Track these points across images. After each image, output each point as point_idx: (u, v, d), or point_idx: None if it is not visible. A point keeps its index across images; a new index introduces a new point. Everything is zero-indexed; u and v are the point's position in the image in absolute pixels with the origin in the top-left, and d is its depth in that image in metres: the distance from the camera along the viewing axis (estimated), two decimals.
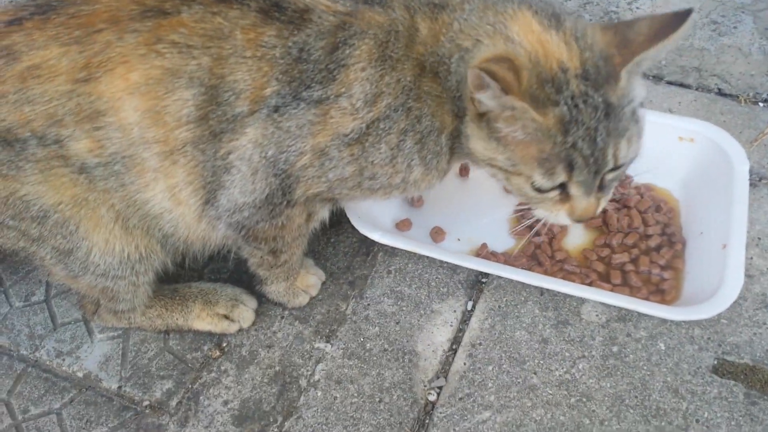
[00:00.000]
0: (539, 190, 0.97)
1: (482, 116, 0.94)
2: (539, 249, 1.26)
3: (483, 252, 1.27)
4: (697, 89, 1.63)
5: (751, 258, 1.28)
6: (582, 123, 0.89)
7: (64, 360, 1.24)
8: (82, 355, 1.25)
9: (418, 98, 0.97)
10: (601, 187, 0.98)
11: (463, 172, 1.40)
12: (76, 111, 0.94)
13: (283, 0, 0.95)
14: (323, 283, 1.30)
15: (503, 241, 1.30)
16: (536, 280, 1.16)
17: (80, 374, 1.22)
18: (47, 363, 1.24)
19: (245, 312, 1.25)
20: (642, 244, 1.25)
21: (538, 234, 1.24)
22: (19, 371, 1.23)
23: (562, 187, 0.96)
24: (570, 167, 0.92)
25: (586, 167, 0.92)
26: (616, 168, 0.96)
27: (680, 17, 0.89)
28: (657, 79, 1.67)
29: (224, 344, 1.24)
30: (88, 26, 0.93)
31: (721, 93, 1.62)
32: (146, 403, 1.19)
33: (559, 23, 0.93)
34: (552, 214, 1.02)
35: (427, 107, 0.98)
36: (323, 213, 1.15)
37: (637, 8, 1.83)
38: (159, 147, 0.96)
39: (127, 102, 0.93)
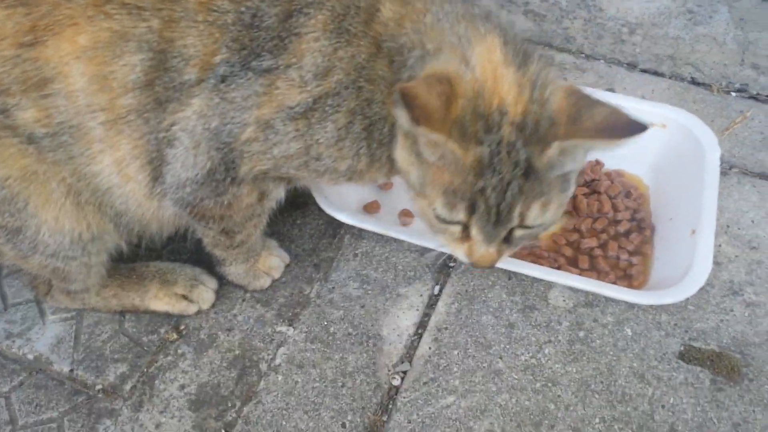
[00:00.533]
0: (441, 220, 0.92)
1: (401, 126, 0.90)
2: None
3: None
4: (670, 77, 1.62)
5: (720, 245, 1.27)
6: (498, 172, 0.84)
7: (14, 342, 1.19)
8: (33, 337, 1.20)
9: (371, 80, 0.93)
10: (508, 240, 0.93)
11: (385, 185, 1.36)
12: (22, 78, 0.89)
13: None
14: (287, 266, 1.27)
15: None
16: (505, 264, 1.14)
17: (30, 356, 1.18)
18: None
19: (205, 293, 1.21)
20: (611, 229, 1.23)
21: None
22: None
23: (465, 225, 0.92)
24: (472, 209, 0.88)
25: (488, 216, 0.88)
26: (524, 227, 0.91)
27: (633, 128, 0.83)
28: (631, 66, 1.65)
29: (182, 327, 1.20)
30: None
31: (694, 82, 1.61)
32: (99, 387, 1.14)
33: (525, 63, 0.88)
34: (450, 248, 0.97)
35: (379, 92, 0.93)
36: (278, 192, 1.10)
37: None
38: (104, 115, 0.92)
39: (74, 67, 0.88)
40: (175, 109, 0.92)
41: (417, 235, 1.19)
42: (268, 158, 0.97)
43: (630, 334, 1.15)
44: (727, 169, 1.41)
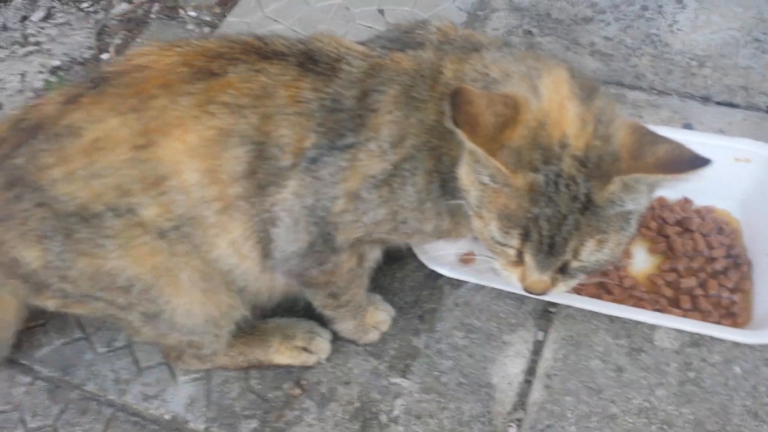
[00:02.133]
0: (496, 242, 0.94)
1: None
2: (607, 277, 1.28)
3: None
4: (746, 108, 1.65)
5: None
6: (554, 203, 0.86)
7: (151, 403, 1.29)
8: (168, 398, 1.29)
9: (441, 137, 0.97)
10: (564, 271, 0.94)
11: None
12: (140, 178, 0.98)
13: (316, 52, 1.01)
14: (393, 319, 1.34)
15: None
16: (610, 309, 1.18)
17: (167, 417, 1.27)
18: (134, 407, 1.29)
19: (322, 343, 1.30)
20: (708, 267, 1.27)
21: None
22: (108, 416, 1.28)
23: (519, 251, 0.93)
24: (525, 236, 0.89)
25: (540, 245, 0.89)
26: (579, 261, 0.92)
27: (696, 163, 0.84)
28: (704, 99, 1.69)
29: (303, 382, 1.28)
30: (143, 93, 0.98)
31: None
32: None
33: (590, 98, 0.90)
34: (505, 271, 0.99)
35: (448, 146, 0.98)
36: (374, 254, 1.17)
37: (678, 29, 1.86)
38: (217, 204, 1.01)
39: (186, 164, 0.98)
40: (275, 192, 1.01)
41: None
42: (359, 226, 1.05)
43: (739, 372, 1.18)
44: None
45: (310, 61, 1.01)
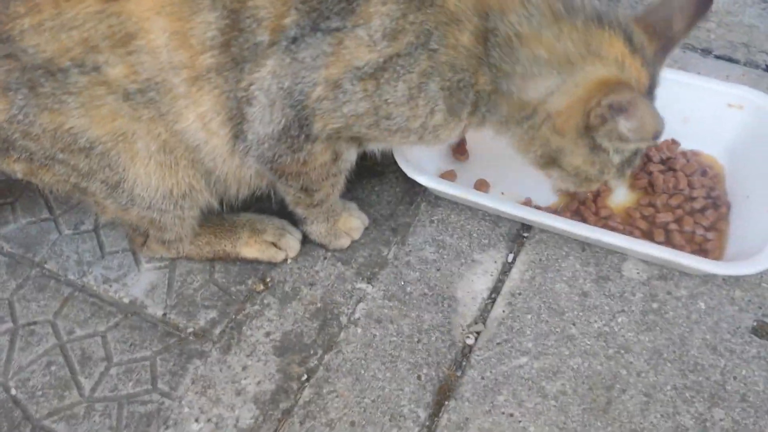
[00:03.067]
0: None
1: (587, 130, 1.00)
2: (583, 205, 1.27)
3: (527, 206, 1.28)
4: (745, 64, 1.63)
5: None
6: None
7: (111, 286, 1.27)
8: (129, 283, 1.28)
9: (449, 46, 0.97)
10: None
11: (460, 154, 1.39)
12: (108, 35, 0.95)
13: None
14: (366, 229, 1.32)
15: (547, 197, 1.31)
16: (583, 230, 1.17)
17: (126, 300, 1.25)
18: (94, 288, 1.27)
19: (292, 241, 1.28)
20: (686, 205, 1.25)
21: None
22: (66, 295, 1.27)
23: None
24: (632, 169, 1.09)
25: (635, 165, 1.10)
26: None
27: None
28: (705, 52, 1.66)
29: (268, 279, 1.27)
30: None
31: None
32: (190, 330, 1.21)
33: (630, 39, 0.98)
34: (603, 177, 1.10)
35: (464, 61, 0.99)
36: (350, 155, 1.14)
37: None
38: (186, 72, 0.97)
39: (154, 22, 0.94)
40: (252, 70, 0.98)
41: (495, 198, 1.23)
42: (338, 116, 1.02)
43: (703, 307, 1.17)
44: None
45: None
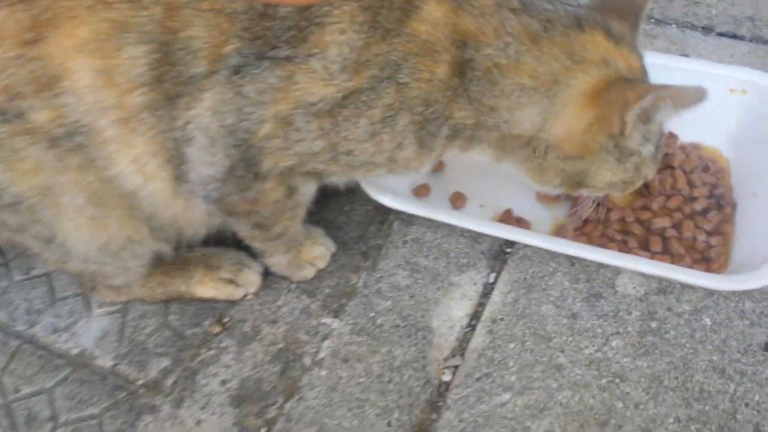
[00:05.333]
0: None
1: (616, 145, 0.91)
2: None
3: (507, 218, 1.16)
4: (751, 41, 1.48)
5: None
6: None
7: (60, 336, 1.18)
8: (79, 331, 1.18)
9: (420, 80, 0.87)
10: None
11: (436, 165, 1.27)
12: (31, 79, 0.84)
13: None
14: (334, 255, 1.20)
15: (530, 206, 1.18)
16: (563, 247, 1.04)
17: (75, 351, 1.15)
18: (43, 339, 1.18)
19: (251, 275, 1.17)
20: (686, 207, 1.11)
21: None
22: (13, 348, 1.17)
23: None
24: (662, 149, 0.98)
25: None
26: None
27: None
28: (706, 30, 1.51)
29: (226, 319, 1.16)
30: None
31: None
32: (141, 382, 1.11)
33: (608, 30, 0.89)
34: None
35: (439, 94, 0.88)
36: (307, 188, 1.03)
37: None
38: (115, 113, 0.86)
39: (78, 62, 0.83)
40: (188, 106, 0.86)
41: (468, 218, 1.10)
42: (290, 155, 0.91)
43: (709, 324, 1.03)
44: None
45: None
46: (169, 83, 0.85)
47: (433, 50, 0.86)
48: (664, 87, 0.85)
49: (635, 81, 0.87)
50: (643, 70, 0.93)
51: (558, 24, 0.87)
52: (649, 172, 0.98)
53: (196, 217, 1.03)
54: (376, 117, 0.88)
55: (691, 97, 0.83)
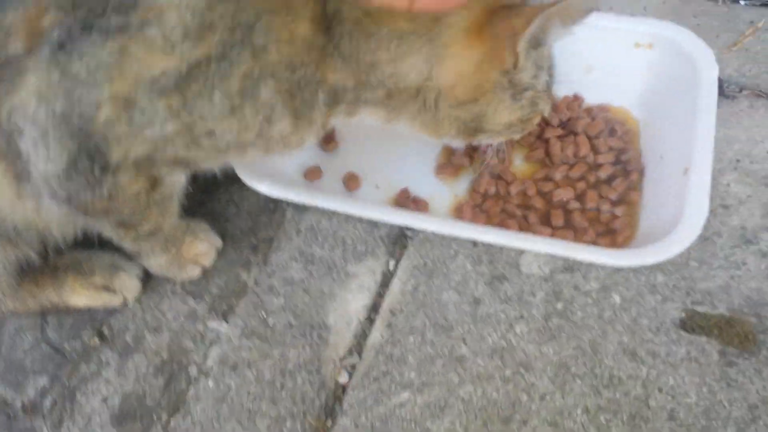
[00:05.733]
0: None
1: (510, 81, 0.83)
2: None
3: (403, 198, 1.07)
4: None
5: (728, 184, 1.06)
6: None
7: None
8: None
9: (286, 41, 0.77)
10: None
11: (326, 143, 1.17)
12: None
13: None
14: (222, 250, 1.10)
15: (428, 183, 1.09)
16: (458, 230, 0.95)
17: None
18: None
19: (127, 280, 1.06)
20: (590, 176, 1.03)
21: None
22: None
23: None
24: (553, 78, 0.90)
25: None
26: None
27: None
28: None
29: (105, 329, 1.06)
30: None
31: None
32: (19, 404, 1.01)
33: None
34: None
35: (307, 56, 0.79)
36: (174, 178, 0.92)
37: None
38: None
39: None
40: (9, 92, 0.75)
41: (358, 204, 1.01)
42: (141, 141, 0.80)
43: (618, 301, 0.96)
44: (736, 91, 1.18)
45: None
46: None
47: (289, 6, 0.76)
48: (549, 5, 0.75)
49: (517, 6, 0.78)
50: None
51: None
52: (545, 106, 0.90)
53: (53, 218, 0.92)
54: (234, 88, 0.78)
55: (579, 9, 0.78)
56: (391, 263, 1.06)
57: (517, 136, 0.95)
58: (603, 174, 1.03)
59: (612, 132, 1.07)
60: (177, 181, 0.94)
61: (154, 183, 0.89)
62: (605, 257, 0.90)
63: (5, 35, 0.73)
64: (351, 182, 1.10)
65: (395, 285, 1.03)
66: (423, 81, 0.83)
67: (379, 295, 1.03)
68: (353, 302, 1.03)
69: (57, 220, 0.93)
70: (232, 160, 0.97)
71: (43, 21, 0.72)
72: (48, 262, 1.05)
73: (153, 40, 0.73)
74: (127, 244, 1.00)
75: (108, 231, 0.97)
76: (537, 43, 0.81)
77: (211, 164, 0.95)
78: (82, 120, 0.77)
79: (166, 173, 0.90)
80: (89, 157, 0.80)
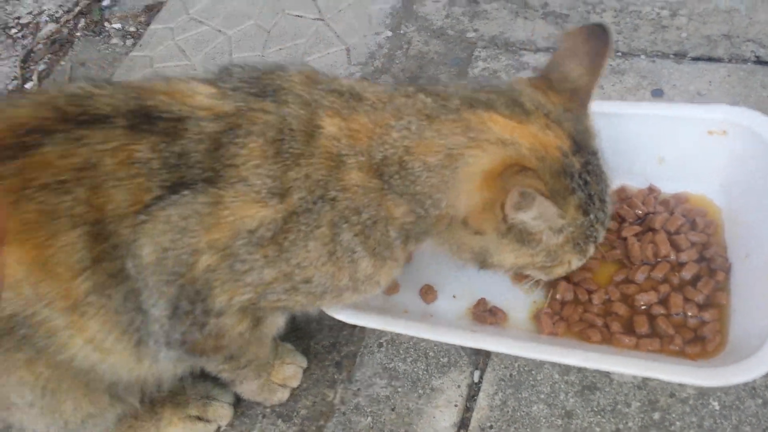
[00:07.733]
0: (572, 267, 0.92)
1: (509, 228, 0.85)
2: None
3: (480, 310, 1.06)
4: (729, 61, 1.37)
5: None
6: (594, 194, 0.84)
7: None
8: None
9: (345, 189, 0.83)
10: None
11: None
12: None
13: (154, 110, 0.82)
14: (306, 369, 1.12)
15: (506, 291, 1.09)
16: (529, 352, 0.93)
17: None
18: None
19: (220, 409, 1.09)
20: (673, 276, 1.01)
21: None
22: None
23: None
24: (595, 239, 0.88)
25: (602, 228, 0.88)
26: None
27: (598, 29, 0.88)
28: (679, 56, 1.41)
29: None
30: None
31: (759, 61, 1.35)
32: None
33: (517, 106, 0.85)
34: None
35: (366, 198, 0.84)
36: (274, 319, 0.96)
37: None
38: (62, 303, 0.80)
39: (7, 254, 0.77)
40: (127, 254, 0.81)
41: (438, 330, 1.00)
42: (242, 286, 0.85)
43: (717, 408, 0.93)
44: None
45: (147, 121, 0.81)
46: (108, 261, 0.80)
47: (340, 160, 0.83)
48: (531, 188, 0.76)
49: (522, 171, 0.78)
50: (576, 147, 0.84)
51: (453, 99, 0.85)
52: (573, 260, 0.90)
53: (168, 368, 0.97)
54: (327, 236, 0.83)
55: (551, 213, 0.81)
56: (476, 374, 1.06)
57: (544, 278, 0.96)
58: (687, 274, 1.00)
59: (693, 225, 1.05)
60: (276, 323, 0.98)
61: (257, 323, 0.94)
62: (695, 378, 0.85)
63: (119, 224, 0.80)
64: (428, 294, 1.11)
65: (482, 399, 1.02)
66: (449, 208, 0.85)
67: (467, 410, 1.02)
68: (441, 419, 1.02)
69: (166, 370, 0.98)
70: (325, 305, 0.99)
71: (146, 198, 0.80)
72: (144, 399, 1.10)
73: (245, 193, 0.80)
74: (226, 375, 1.04)
75: (213, 366, 1.01)
76: (528, 207, 0.81)
77: (308, 309, 0.99)
78: (181, 266, 0.81)
79: (268, 315, 0.94)
80: (190, 301, 0.85)
